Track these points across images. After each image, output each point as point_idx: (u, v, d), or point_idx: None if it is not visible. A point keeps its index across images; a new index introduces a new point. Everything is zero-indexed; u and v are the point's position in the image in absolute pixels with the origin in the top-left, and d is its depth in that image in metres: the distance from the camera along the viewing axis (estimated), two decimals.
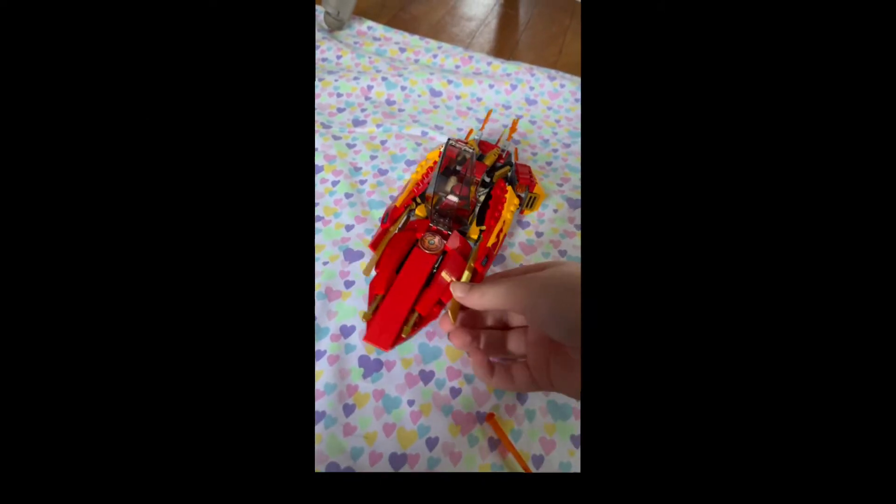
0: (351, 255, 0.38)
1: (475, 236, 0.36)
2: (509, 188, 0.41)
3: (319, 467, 0.27)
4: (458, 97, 0.59)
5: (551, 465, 0.29)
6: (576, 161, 0.52)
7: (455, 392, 0.31)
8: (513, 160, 0.45)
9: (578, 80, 0.62)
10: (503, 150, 0.46)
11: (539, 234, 0.43)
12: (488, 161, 0.43)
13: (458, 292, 0.27)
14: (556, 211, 0.45)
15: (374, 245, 0.34)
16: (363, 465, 0.28)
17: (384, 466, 0.28)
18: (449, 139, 0.31)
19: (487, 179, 0.42)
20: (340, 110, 0.54)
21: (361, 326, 0.34)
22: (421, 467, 0.28)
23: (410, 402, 0.31)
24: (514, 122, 0.50)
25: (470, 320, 0.29)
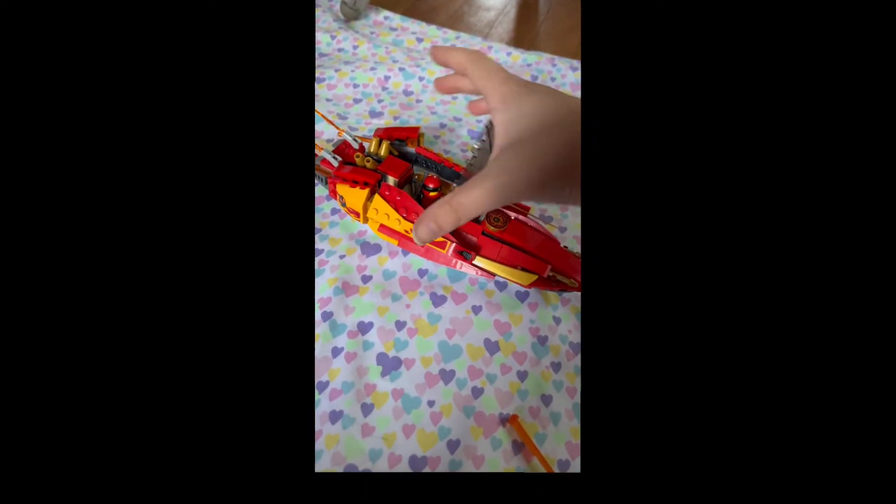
0: (368, 249, 0.37)
1: None
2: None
3: (337, 469, 0.26)
4: None
5: (578, 471, 0.28)
6: None
7: (477, 392, 0.30)
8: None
9: None
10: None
11: (563, 230, 0.41)
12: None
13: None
14: None
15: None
16: (382, 468, 0.27)
17: (404, 469, 0.27)
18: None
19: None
20: (357, 101, 0.53)
21: (380, 323, 0.33)
22: (442, 470, 0.27)
23: (430, 403, 0.29)
24: None
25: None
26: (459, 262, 0.34)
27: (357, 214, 0.36)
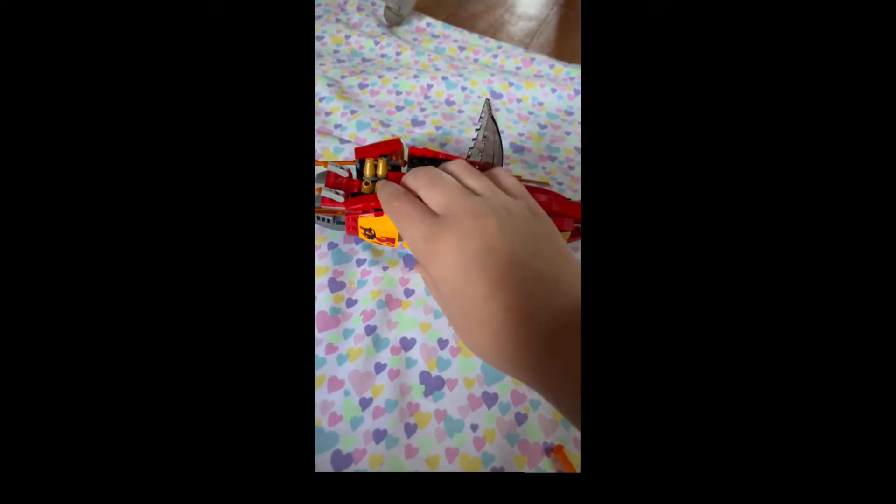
0: (411, 261, 0.37)
1: None
2: None
3: None
4: (518, 100, 0.57)
5: None
6: None
7: (521, 418, 0.30)
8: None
9: None
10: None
11: None
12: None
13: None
14: None
15: None
16: None
17: None
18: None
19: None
20: (399, 108, 0.53)
21: (423, 340, 0.32)
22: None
23: (474, 427, 0.29)
24: None
25: None
26: None
27: (392, 241, 0.35)
